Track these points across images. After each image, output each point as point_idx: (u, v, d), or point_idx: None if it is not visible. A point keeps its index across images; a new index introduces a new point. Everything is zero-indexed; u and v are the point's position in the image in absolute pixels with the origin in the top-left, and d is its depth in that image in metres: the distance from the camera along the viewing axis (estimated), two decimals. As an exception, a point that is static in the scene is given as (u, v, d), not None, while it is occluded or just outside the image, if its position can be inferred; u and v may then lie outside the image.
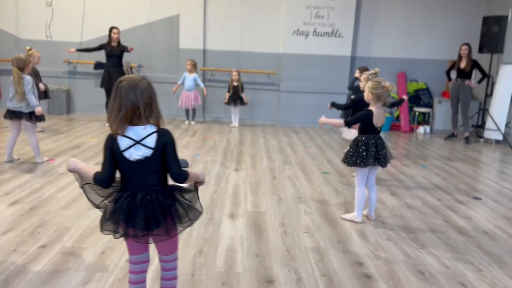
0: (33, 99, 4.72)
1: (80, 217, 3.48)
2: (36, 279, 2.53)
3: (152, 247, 2.11)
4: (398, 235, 3.45)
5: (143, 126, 1.88)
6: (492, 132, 7.71)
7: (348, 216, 3.71)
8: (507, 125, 7.76)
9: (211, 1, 8.57)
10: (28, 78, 4.72)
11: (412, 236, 3.43)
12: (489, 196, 4.62)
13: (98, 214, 3.50)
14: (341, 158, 3.78)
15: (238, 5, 8.57)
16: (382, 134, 3.77)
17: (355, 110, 5.20)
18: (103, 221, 1.95)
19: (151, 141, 1.87)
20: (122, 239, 3.01)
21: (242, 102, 8.08)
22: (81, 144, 6.09)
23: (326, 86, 8.65)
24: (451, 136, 8.02)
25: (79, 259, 2.79)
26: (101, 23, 8.44)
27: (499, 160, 6.62)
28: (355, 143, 3.67)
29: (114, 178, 1.95)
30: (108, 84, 7.48)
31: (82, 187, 2.01)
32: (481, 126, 8.08)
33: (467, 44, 7.67)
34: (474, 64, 7.65)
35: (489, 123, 7.73)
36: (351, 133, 4.94)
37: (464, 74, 7.72)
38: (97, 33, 8.46)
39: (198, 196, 2.09)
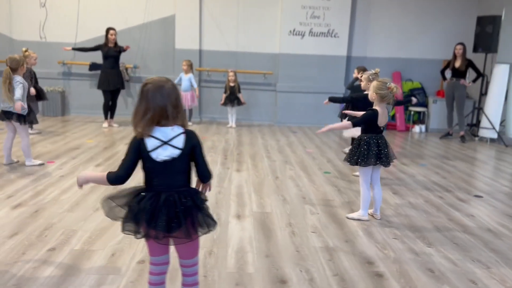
0: (16, 93, 4.58)
1: (86, 219, 3.45)
2: (48, 282, 2.51)
3: (172, 250, 2.10)
4: (404, 233, 3.48)
5: (170, 127, 1.88)
6: (487, 131, 7.79)
7: (355, 215, 3.73)
8: (501, 123, 7.85)
9: (207, 1, 8.55)
10: (18, 78, 4.64)
11: (418, 235, 3.46)
12: (489, 194, 4.67)
13: (104, 216, 3.47)
14: (344, 157, 3.78)
15: (234, 5, 8.57)
16: None
17: (353, 108, 5.25)
18: (125, 221, 1.94)
19: (179, 141, 1.89)
20: (130, 241, 3.03)
21: (239, 103, 8.08)
22: (79, 146, 6.04)
23: (323, 86, 8.67)
24: (447, 135, 8.09)
25: (89, 261, 2.77)
26: (96, 23, 8.38)
27: (496, 158, 6.70)
28: (357, 142, 3.69)
29: (130, 176, 1.97)
30: (105, 85, 7.43)
31: (107, 215, 2.03)
32: (476, 125, 8.16)
33: (461, 43, 7.75)
34: (469, 64, 7.73)
35: (484, 122, 7.82)
36: (352, 131, 4.97)
37: (459, 74, 7.80)
38: (92, 34, 8.39)
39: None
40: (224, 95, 8.10)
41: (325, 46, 8.57)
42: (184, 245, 1.99)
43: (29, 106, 4.81)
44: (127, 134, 7.05)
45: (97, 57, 7.96)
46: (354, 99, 5.24)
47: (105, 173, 1.97)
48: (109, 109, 7.61)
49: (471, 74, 7.87)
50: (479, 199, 4.47)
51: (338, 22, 8.51)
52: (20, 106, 4.58)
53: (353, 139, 6.30)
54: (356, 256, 3.02)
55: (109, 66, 7.46)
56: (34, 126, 6.31)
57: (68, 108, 8.81)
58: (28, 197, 3.90)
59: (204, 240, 3.17)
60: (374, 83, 3.75)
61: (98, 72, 8.23)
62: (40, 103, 7.54)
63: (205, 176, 2.03)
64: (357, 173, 5.17)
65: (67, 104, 8.79)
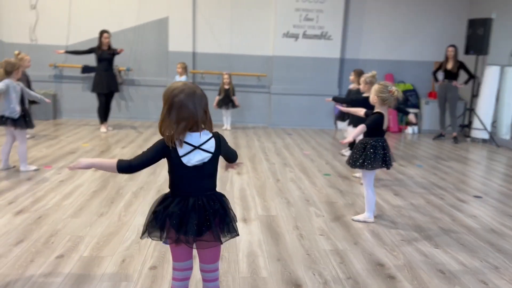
0: None
1: (92, 225, 3.40)
2: (61, 290, 2.46)
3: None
4: (410, 235, 3.51)
5: (201, 132, 1.88)
6: (479, 132, 7.91)
7: (360, 217, 3.74)
8: (492, 124, 7.98)
9: (200, 4, 8.52)
10: (7, 81, 4.54)
11: (424, 236, 3.49)
12: (487, 194, 4.73)
13: (109, 221, 3.46)
14: (347, 161, 3.77)
15: (227, 7, 8.56)
16: None
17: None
18: (151, 227, 1.91)
19: (211, 146, 1.90)
20: (140, 247, 3.00)
21: (234, 105, 8.06)
22: (75, 150, 5.96)
23: (316, 88, 8.71)
24: (440, 136, 8.19)
25: (100, 268, 2.73)
26: (88, 26, 8.30)
27: (489, 158, 6.80)
28: (362, 145, 3.69)
29: (140, 171, 1.96)
30: (99, 88, 7.34)
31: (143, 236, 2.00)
32: (468, 126, 8.28)
33: (453, 45, 7.87)
34: (461, 65, 7.84)
35: (475, 123, 7.93)
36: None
37: (451, 75, 7.91)
38: (84, 36, 8.31)
39: None
40: (217, 98, 8.07)
41: (318, 48, 8.61)
42: (208, 249, 1.98)
43: (27, 110, 4.74)
44: (122, 137, 6.99)
45: (90, 59, 7.88)
46: (354, 102, 5.27)
47: (115, 160, 1.92)
48: (105, 112, 7.53)
49: (462, 76, 7.98)
50: (478, 200, 4.53)
51: (331, 25, 8.56)
52: None
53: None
54: (366, 259, 3.04)
55: (103, 68, 7.38)
56: (28, 130, 6.20)
57: (60, 111, 8.69)
58: (29, 203, 3.83)
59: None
60: (375, 86, 3.78)
61: (91, 75, 8.16)
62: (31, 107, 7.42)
63: (233, 158, 2.25)
64: (357, 174, 5.22)
65: (59, 107, 8.68)
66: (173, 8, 8.46)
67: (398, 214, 3.98)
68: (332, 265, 2.92)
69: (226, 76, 7.99)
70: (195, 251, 2.02)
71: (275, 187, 4.66)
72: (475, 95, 8.06)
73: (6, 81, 4.57)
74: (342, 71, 8.86)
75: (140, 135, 7.27)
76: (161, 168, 5.19)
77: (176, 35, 8.51)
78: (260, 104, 8.85)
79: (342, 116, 6.49)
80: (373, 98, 3.77)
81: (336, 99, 5.44)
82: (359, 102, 5.25)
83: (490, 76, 7.81)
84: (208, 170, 1.93)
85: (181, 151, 1.86)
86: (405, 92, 9.08)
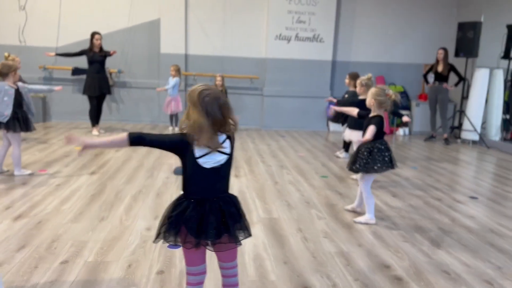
0: None
1: (94, 230, 3.36)
2: (69, 297, 2.42)
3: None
4: (412, 236, 3.54)
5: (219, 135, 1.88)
6: (469, 133, 8.03)
7: (362, 219, 3.76)
8: (482, 125, 8.10)
9: (192, 6, 8.49)
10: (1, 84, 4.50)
11: (426, 237, 3.53)
12: (483, 195, 4.80)
13: (111, 226, 3.42)
14: (355, 167, 3.75)
15: (219, 9, 8.54)
16: None
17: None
18: (167, 232, 1.89)
19: (226, 147, 1.91)
20: (145, 251, 2.97)
21: (227, 107, 8.02)
22: (68, 153, 5.88)
23: (309, 90, 8.75)
24: (431, 137, 8.30)
25: (107, 274, 2.69)
26: (78, 27, 8.21)
27: (481, 159, 6.91)
28: (367, 149, 3.70)
29: (145, 145, 1.92)
30: (91, 90, 7.25)
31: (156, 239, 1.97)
32: (458, 127, 8.39)
33: (443, 48, 7.98)
34: (451, 68, 7.96)
35: (466, 124, 8.05)
36: (352, 135, 5.02)
37: (442, 78, 8.02)
38: (74, 38, 8.21)
39: None
40: None
41: (311, 50, 8.65)
42: (223, 251, 1.97)
43: (26, 112, 4.67)
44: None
45: (80, 61, 7.79)
46: (351, 104, 5.29)
47: (121, 136, 1.88)
48: (96, 115, 7.44)
49: (453, 78, 8.09)
50: (475, 201, 4.59)
51: (323, 27, 8.61)
52: None
53: (345, 143, 6.41)
54: (372, 260, 3.05)
55: (94, 71, 7.30)
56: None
57: (50, 114, 8.57)
58: (27, 208, 3.76)
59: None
60: (373, 89, 3.82)
61: (81, 77, 8.07)
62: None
63: None
64: (354, 176, 5.25)
65: (48, 110, 8.56)
66: (165, 10, 8.41)
67: (398, 215, 4.02)
68: (339, 267, 2.93)
69: (218, 78, 7.96)
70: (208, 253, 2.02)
71: (274, 189, 4.66)
72: (465, 97, 8.18)
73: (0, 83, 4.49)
74: (334, 73, 8.92)
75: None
76: (158, 171, 5.16)
77: (168, 37, 8.46)
78: (252, 106, 8.85)
79: (336, 118, 6.51)
80: (370, 101, 3.80)
81: (343, 103, 5.44)
82: (354, 104, 5.30)
83: (479, 78, 7.93)
84: (224, 171, 1.94)
85: (197, 152, 1.85)
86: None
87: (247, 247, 3.16)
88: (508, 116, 8.21)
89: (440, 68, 8.01)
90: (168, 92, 7.91)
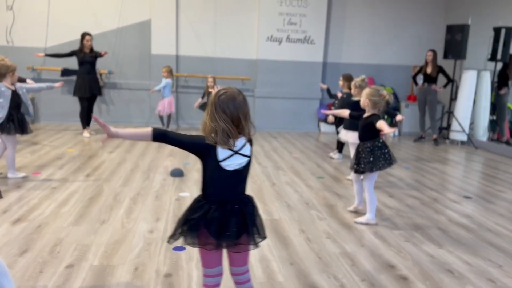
0: None
1: (96, 233, 3.32)
2: (78, 301, 2.39)
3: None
4: (413, 236, 3.58)
5: (239, 138, 1.89)
6: (457, 134, 8.17)
7: (363, 219, 3.80)
8: (470, 126, 8.25)
9: (183, 7, 8.45)
10: None
11: (426, 237, 3.58)
12: (476, 195, 4.89)
13: (113, 229, 3.38)
14: (361, 168, 3.77)
15: (211, 11, 8.52)
16: None
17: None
18: (186, 233, 1.89)
19: (247, 149, 1.93)
20: (150, 254, 2.95)
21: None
22: (61, 155, 5.79)
23: (300, 91, 8.79)
24: (420, 138, 8.41)
25: (114, 278, 2.66)
26: (68, 27, 8.11)
27: (470, 160, 7.03)
28: (368, 149, 3.75)
29: (167, 143, 1.92)
30: (82, 92, 7.16)
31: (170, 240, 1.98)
32: (446, 128, 8.53)
33: (432, 50, 8.11)
34: (440, 70, 8.09)
35: (454, 125, 8.19)
36: (349, 136, 5.06)
37: (431, 79, 8.14)
38: (63, 39, 8.11)
39: None
40: (200, 100, 8.01)
41: (302, 52, 8.69)
42: (240, 253, 1.99)
43: (23, 114, 4.59)
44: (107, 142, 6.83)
45: (69, 62, 7.70)
46: (346, 106, 5.33)
47: (146, 130, 1.89)
48: (87, 117, 7.35)
49: (442, 79, 8.22)
50: (469, 200, 4.67)
51: (314, 29, 8.66)
52: None
53: (338, 143, 6.46)
54: (376, 260, 3.08)
55: (85, 72, 7.20)
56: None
57: (38, 115, 8.43)
58: (25, 211, 3.69)
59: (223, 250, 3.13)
60: (367, 90, 3.87)
61: (71, 78, 7.97)
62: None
63: None
64: (349, 177, 5.29)
65: (37, 112, 8.41)
66: (156, 11, 8.36)
67: (396, 215, 4.07)
68: (345, 267, 2.95)
69: (210, 80, 7.95)
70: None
71: (272, 190, 4.67)
72: (453, 98, 8.32)
73: None
74: (325, 75, 8.98)
75: (124, 140, 7.12)
76: (155, 173, 5.12)
77: (159, 38, 8.41)
78: (244, 108, 8.83)
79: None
80: (364, 101, 3.86)
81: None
82: (349, 104, 5.36)
83: (467, 80, 8.08)
84: (244, 174, 1.96)
85: (220, 155, 1.87)
86: (385, 95, 9.28)
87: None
88: (494, 117, 8.39)
89: (429, 69, 8.13)
90: (161, 93, 7.88)
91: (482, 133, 8.18)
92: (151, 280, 2.66)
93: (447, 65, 8.29)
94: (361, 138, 3.88)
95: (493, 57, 8.07)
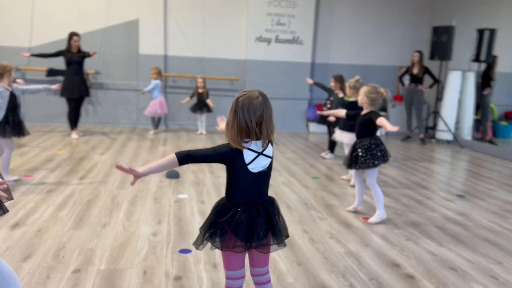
0: None
1: (98, 237, 3.27)
2: (90, 307, 2.36)
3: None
4: (413, 235, 3.64)
5: (262, 140, 1.90)
6: (443, 133, 8.34)
7: (377, 219, 3.83)
8: (455, 126, 8.42)
9: (171, 7, 8.39)
10: None
11: (426, 235, 3.64)
12: (468, 193, 5.00)
13: (115, 232, 3.35)
14: (358, 166, 3.83)
15: (199, 10, 8.48)
16: None
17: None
18: (220, 237, 1.89)
19: (270, 150, 1.94)
20: (157, 257, 2.93)
21: (209, 110, 7.99)
22: (51, 157, 5.68)
23: (289, 92, 8.83)
24: (407, 137, 8.55)
25: (123, 281, 2.63)
26: (53, 27, 7.98)
27: (457, 158, 7.18)
28: (365, 147, 3.80)
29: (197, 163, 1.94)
30: (69, 93, 7.03)
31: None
32: (432, 127, 8.69)
33: (419, 51, 8.26)
34: (426, 70, 8.24)
35: (440, 125, 8.35)
36: (343, 136, 5.12)
37: (417, 80, 8.29)
38: (49, 38, 7.98)
39: None
40: (188, 99, 7.95)
41: (290, 52, 8.73)
42: (263, 253, 2.00)
43: (19, 116, 4.49)
44: (96, 143, 6.74)
45: (55, 62, 7.57)
46: (341, 107, 5.38)
47: (171, 155, 1.88)
48: (75, 118, 7.23)
49: (428, 80, 8.38)
50: (462, 198, 4.78)
51: (302, 30, 8.71)
52: None
53: (330, 144, 6.51)
54: (381, 260, 3.13)
55: (72, 72, 7.08)
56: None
57: (23, 116, 8.22)
58: (22, 215, 3.61)
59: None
60: (365, 87, 3.94)
61: (56, 78, 7.84)
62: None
63: None
64: (344, 177, 5.35)
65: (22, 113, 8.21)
66: (144, 10, 8.27)
67: (394, 214, 4.13)
68: (352, 267, 2.98)
69: (200, 80, 7.91)
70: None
71: (270, 191, 4.65)
72: (439, 98, 8.48)
73: None
74: (313, 75, 9.04)
75: (115, 141, 7.04)
76: (150, 175, 5.06)
77: (147, 38, 8.33)
78: (233, 108, 8.82)
79: (322, 120, 6.59)
80: (362, 99, 3.92)
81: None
82: (343, 105, 5.42)
83: (452, 81, 8.25)
84: (268, 175, 1.97)
85: (247, 158, 1.87)
86: (372, 95, 9.40)
87: (258, 250, 3.16)
88: (478, 117, 8.59)
89: (415, 70, 8.28)
90: (151, 95, 7.81)
91: (467, 132, 8.37)
92: (162, 283, 2.64)
93: (433, 66, 8.45)
94: (358, 135, 3.93)
95: (477, 58, 8.27)
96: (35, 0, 7.98)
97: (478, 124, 8.68)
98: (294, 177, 5.33)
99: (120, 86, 8.48)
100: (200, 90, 7.94)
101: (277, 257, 3.08)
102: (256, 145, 1.89)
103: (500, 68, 8.73)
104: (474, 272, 2.99)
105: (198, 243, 1.97)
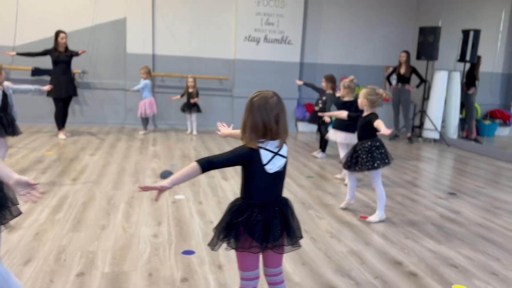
0: None
1: (98, 239, 3.22)
2: (99, 311, 2.32)
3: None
4: (411, 233, 3.69)
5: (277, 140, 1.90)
6: (430, 132, 8.47)
7: (376, 218, 3.87)
8: (441, 124, 8.57)
9: (159, 5, 8.31)
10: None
11: (424, 233, 3.69)
12: (459, 191, 5.09)
13: (115, 234, 3.30)
14: (358, 167, 3.85)
15: (188, 10, 8.42)
16: None
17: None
18: (235, 238, 1.88)
19: (285, 150, 1.95)
20: (160, 259, 2.90)
21: (199, 110, 7.93)
22: (40, 159, 5.57)
23: (278, 91, 8.70)
24: (395, 136, 8.66)
25: (130, 284, 2.59)
26: (38, 25, 7.83)
27: (444, 157, 7.31)
28: (366, 149, 3.83)
29: (219, 168, 1.92)
30: (56, 92, 6.88)
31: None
32: (419, 126, 8.82)
33: (406, 51, 8.38)
34: (413, 70, 8.36)
35: (427, 124, 8.48)
36: (337, 136, 5.15)
37: (404, 79, 8.41)
38: (34, 37, 7.82)
39: None
40: (178, 96, 7.88)
41: (279, 52, 8.74)
42: (277, 254, 2.00)
43: (11, 115, 4.39)
44: (85, 144, 6.64)
45: (41, 61, 7.43)
46: (340, 105, 5.39)
47: (193, 164, 1.85)
48: (62, 118, 7.10)
49: (415, 80, 8.50)
50: (454, 196, 4.86)
51: (291, 30, 8.73)
52: None
53: (321, 143, 6.55)
54: (383, 258, 3.16)
55: (60, 72, 6.94)
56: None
57: (16, 115, 8.03)
58: (18, 218, 3.51)
59: (232, 252, 3.11)
60: (363, 90, 3.98)
61: (42, 78, 7.70)
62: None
63: None
64: (338, 176, 5.38)
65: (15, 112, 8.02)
66: (131, 9, 8.17)
67: (391, 213, 4.17)
68: (355, 266, 3.01)
69: (190, 80, 7.86)
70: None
71: (266, 191, 4.67)
72: (426, 98, 8.61)
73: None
74: (302, 75, 9.08)
75: (104, 141, 6.94)
76: (144, 176, 5.02)
77: (135, 36, 8.23)
78: (222, 108, 8.81)
79: (313, 119, 6.62)
80: (362, 101, 3.95)
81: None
82: (338, 105, 5.45)
83: (439, 80, 8.39)
84: (283, 175, 1.98)
85: (264, 158, 1.87)
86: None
87: (261, 250, 3.16)
88: (463, 116, 8.76)
89: (402, 70, 8.39)
90: (140, 94, 7.73)
91: (453, 131, 8.52)
92: (168, 285, 2.61)
93: (420, 66, 8.57)
94: (359, 137, 3.96)
95: (462, 58, 8.44)
96: (19, -3, 7.81)
97: (463, 123, 8.86)
98: (289, 176, 5.34)
99: (107, 85, 8.36)
100: (190, 90, 7.88)
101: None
102: (272, 145, 1.89)
103: (483, 68, 8.93)
104: (475, 269, 3.04)
105: (214, 244, 1.96)
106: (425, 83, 8.45)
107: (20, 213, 1.92)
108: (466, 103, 8.78)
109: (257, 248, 1.89)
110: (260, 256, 2.05)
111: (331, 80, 6.29)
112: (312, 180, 5.22)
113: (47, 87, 5.09)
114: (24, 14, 7.84)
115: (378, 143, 3.85)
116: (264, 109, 1.86)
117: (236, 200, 1.99)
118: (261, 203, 1.91)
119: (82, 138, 7.12)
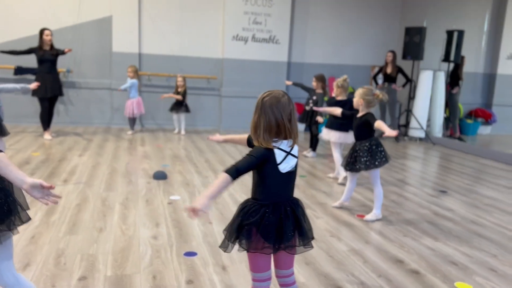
0: None
1: (97, 241, 3.15)
2: (106, 315, 2.27)
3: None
4: (408, 231, 3.73)
5: (288, 139, 1.90)
6: (415, 131, 8.59)
7: (373, 216, 3.89)
8: (426, 123, 8.70)
9: (146, 3, 8.19)
10: None
11: (421, 231, 3.74)
12: (450, 189, 5.18)
13: (114, 236, 3.25)
14: (358, 166, 3.87)
15: (175, 8, 8.33)
16: None
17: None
18: (246, 238, 1.86)
19: (296, 150, 1.95)
20: (162, 261, 2.85)
21: (187, 109, 7.86)
22: (27, 160, 5.43)
23: (265, 90, 8.80)
24: (381, 135, 8.74)
25: (134, 287, 2.55)
26: (21, 23, 7.63)
27: (431, 155, 7.42)
28: (366, 148, 3.86)
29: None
30: (42, 92, 6.71)
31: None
32: (405, 125, 8.94)
33: (392, 51, 8.48)
34: (399, 70, 8.47)
35: (413, 123, 8.60)
36: (331, 135, 5.17)
37: (390, 79, 8.51)
38: (16, 35, 7.62)
39: None
40: (171, 94, 7.79)
41: (267, 51, 8.73)
42: (289, 255, 1.99)
43: None
44: (71, 144, 6.50)
45: (24, 60, 7.26)
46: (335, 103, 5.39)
47: (223, 175, 1.81)
48: (48, 118, 6.94)
49: (400, 79, 8.61)
50: (445, 194, 4.93)
51: (278, 29, 8.72)
52: None
53: (311, 142, 6.57)
54: (384, 256, 3.18)
55: (45, 70, 6.77)
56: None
57: (3, 115, 7.82)
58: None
59: (236, 253, 3.09)
60: (360, 90, 4.01)
61: (26, 77, 7.54)
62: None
63: None
64: (331, 175, 5.41)
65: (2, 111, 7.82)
66: (117, 7, 8.03)
67: (387, 211, 4.21)
68: (358, 265, 3.02)
69: (179, 79, 7.78)
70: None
71: (261, 191, 4.66)
72: (411, 97, 8.72)
73: None
74: (290, 74, 9.09)
75: (91, 141, 6.81)
76: (136, 176, 4.95)
77: (121, 35, 8.10)
78: (210, 107, 8.75)
79: (302, 119, 6.62)
80: (358, 101, 3.98)
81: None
82: (331, 105, 5.47)
83: (424, 80, 8.51)
84: (294, 175, 1.97)
85: (278, 158, 1.86)
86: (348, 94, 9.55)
87: (263, 251, 3.14)
88: (447, 115, 8.92)
89: (389, 70, 8.50)
90: (127, 94, 7.62)
91: (438, 130, 8.66)
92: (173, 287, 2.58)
93: (405, 65, 8.68)
94: (357, 137, 3.98)
95: (446, 58, 8.58)
96: (1, -6, 7.60)
97: (447, 122, 9.01)
98: (282, 176, 5.33)
99: (92, 84, 8.21)
100: (179, 89, 7.81)
101: (284, 257, 3.07)
102: (285, 144, 1.89)
103: (466, 68, 9.11)
104: (474, 266, 3.09)
105: (225, 246, 1.93)
106: (410, 82, 8.56)
107: (29, 218, 1.85)
108: (450, 102, 8.94)
109: (269, 249, 1.87)
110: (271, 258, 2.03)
111: (321, 79, 6.33)
112: (305, 179, 5.23)
113: (33, 85, 4.96)
114: (5, 11, 7.63)
115: (376, 143, 3.89)
116: (277, 108, 1.86)
117: (247, 201, 1.96)
118: (273, 203, 1.89)
119: (68, 138, 6.97)
